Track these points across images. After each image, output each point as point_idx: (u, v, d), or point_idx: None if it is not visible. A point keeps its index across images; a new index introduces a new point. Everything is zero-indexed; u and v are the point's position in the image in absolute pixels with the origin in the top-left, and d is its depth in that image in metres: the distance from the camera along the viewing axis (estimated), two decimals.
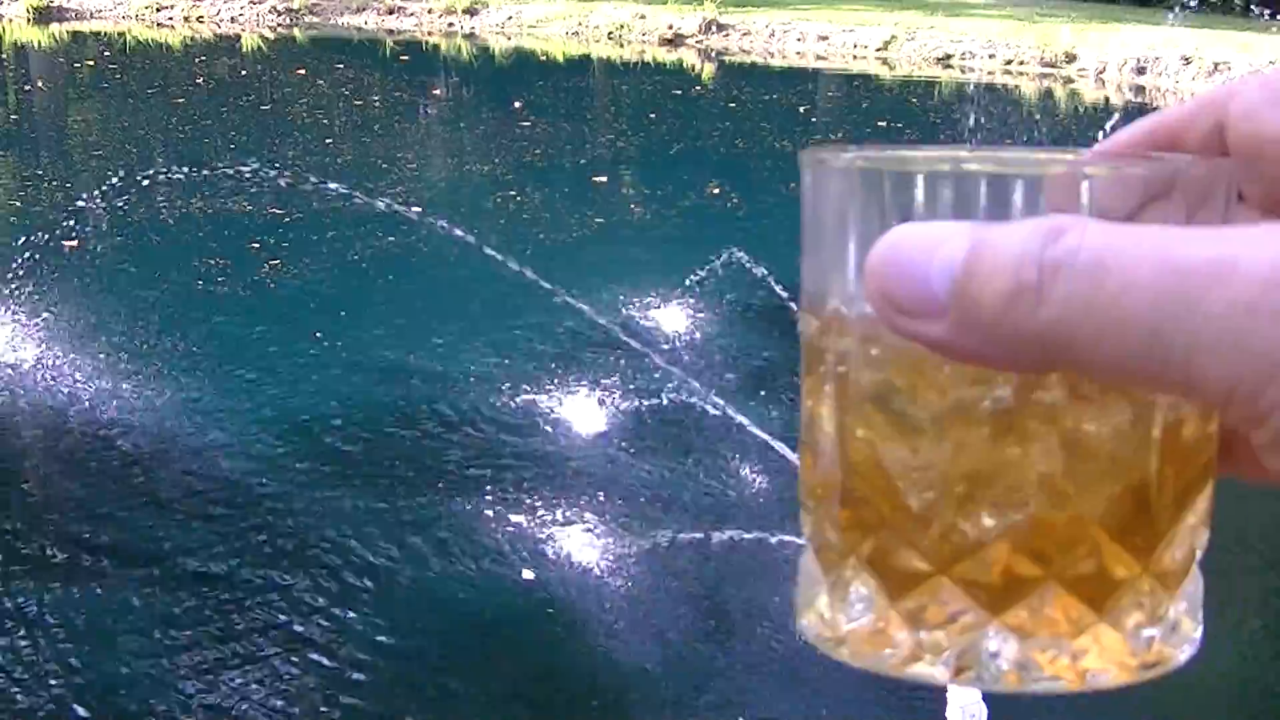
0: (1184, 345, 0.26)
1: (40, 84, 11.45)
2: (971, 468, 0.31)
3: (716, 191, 7.46)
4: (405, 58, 13.62)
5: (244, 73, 12.40)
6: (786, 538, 3.07)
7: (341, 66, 12.73)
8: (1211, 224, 0.31)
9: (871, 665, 0.32)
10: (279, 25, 15.11)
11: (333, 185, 6.48)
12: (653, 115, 10.72)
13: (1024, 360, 0.28)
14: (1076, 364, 0.28)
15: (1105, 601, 0.31)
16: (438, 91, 11.81)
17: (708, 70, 13.34)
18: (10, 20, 14.65)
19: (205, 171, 6.62)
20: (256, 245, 5.72)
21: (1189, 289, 0.26)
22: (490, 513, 3.27)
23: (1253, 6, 15.15)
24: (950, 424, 0.31)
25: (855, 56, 14.16)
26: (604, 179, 7.99)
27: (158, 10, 15.22)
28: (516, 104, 10.63)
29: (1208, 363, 0.26)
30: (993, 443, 0.31)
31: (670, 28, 14.70)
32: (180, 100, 10.51)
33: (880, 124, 10.33)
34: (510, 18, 15.34)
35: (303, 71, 12.18)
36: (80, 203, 6.27)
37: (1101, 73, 13.13)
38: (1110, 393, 0.31)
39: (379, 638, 2.72)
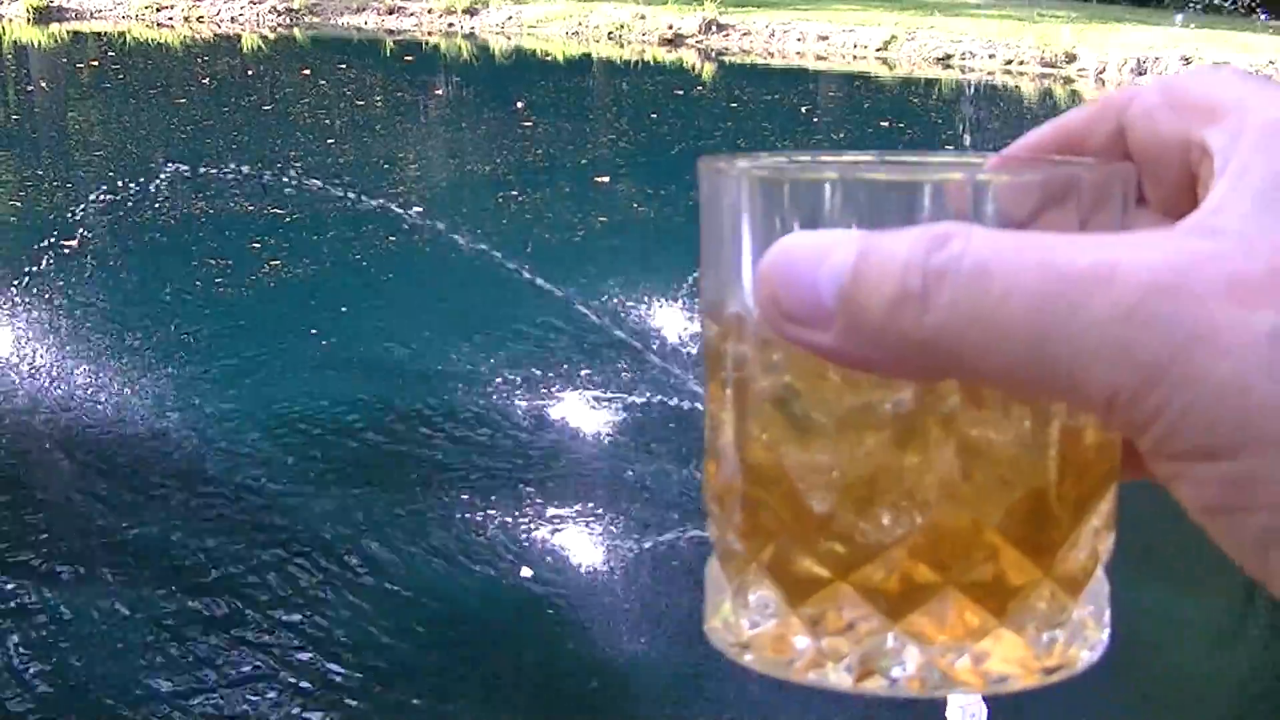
0: (1066, 352, 0.26)
1: (40, 84, 11.45)
2: (869, 473, 0.31)
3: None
4: (410, 58, 13.62)
5: (250, 73, 12.41)
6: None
7: (345, 67, 12.73)
8: (1108, 228, 0.31)
9: (776, 672, 0.32)
10: (279, 25, 15.11)
11: (333, 185, 6.49)
12: (654, 115, 10.73)
13: (912, 367, 0.28)
14: (963, 371, 0.27)
15: (1005, 606, 0.31)
16: (440, 92, 11.81)
17: (708, 70, 13.34)
18: (10, 20, 14.65)
19: (206, 171, 6.62)
20: (257, 245, 5.73)
21: (1070, 295, 0.26)
22: (491, 512, 3.27)
23: (1255, 8, 15.15)
24: (847, 429, 0.31)
25: (855, 56, 14.16)
26: (606, 179, 7.99)
27: (158, 10, 15.22)
28: (519, 104, 10.63)
29: (1089, 370, 0.26)
30: (890, 448, 0.30)
31: (670, 28, 14.70)
32: (181, 100, 10.51)
33: (881, 124, 10.33)
34: (510, 18, 15.33)
35: (307, 72, 12.18)
36: (80, 203, 6.27)
37: (1101, 73, 13.13)
38: (1008, 398, 0.30)
39: (378, 637, 2.72)
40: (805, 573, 0.31)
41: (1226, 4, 16.05)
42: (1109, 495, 0.33)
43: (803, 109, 11.50)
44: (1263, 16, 15.10)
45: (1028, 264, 0.26)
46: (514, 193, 7.39)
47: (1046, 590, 0.32)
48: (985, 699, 2.43)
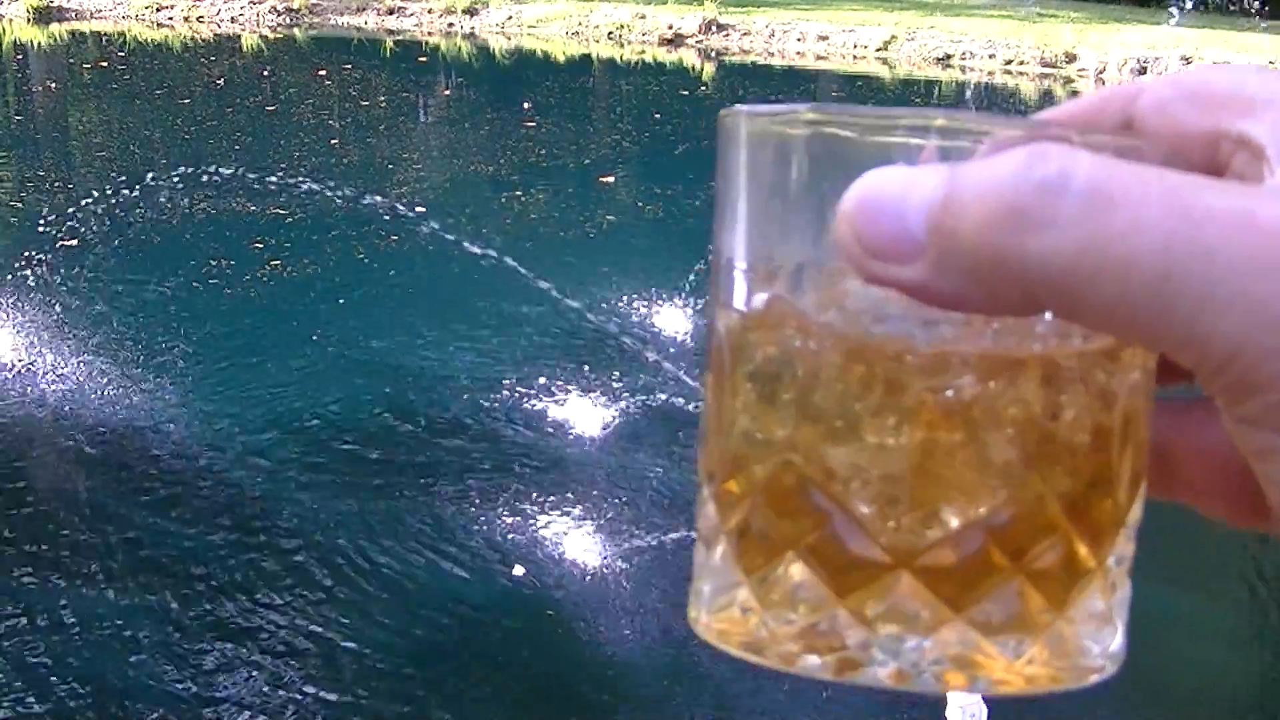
0: (1192, 298, 0.24)
1: (40, 84, 11.45)
2: (931, 458, 0.29)
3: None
4: (424, 59, 13.62)
5: (260, 73, 12.40)
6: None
7: (349, 67, 12.72)
8: None
9: (805, 668, 0.30)
10: (279, 25, 15.10)
11: (335, 185, 6.49)
12: (657, 115, 10.73)
13: (1008, 298, 0.26)
14: (1067, 303, 0.25)
15: (1065, 598, 0.30)
16: (444, 92, 11.80)
17: (708, 70, 13.34)
18: (10, 20, 14.65)
19: (207, 171, 6.62)
20: (259, 245, 5.73)
21: (1204, 237, 0.24)
22: (491, 512, 3.27)
23: (1253, 6, 15.15)
24: (908, 414, 0.29)
25: (855, 56, 14.16)
26: (610, 179, 7.99)
27: (158, 10, 15.22)
28: (526, 104, 10.63)
29: (1217, 320, 0.24)
30: (952, 432, 0.29)
31: (670, 28, 14.70)
32: (181, 100, 10.51)
33: None
34: (510, 18, 15.33)
35: (324, 72, 12.16)
36: (80, 203, 6.27)
37: (1101, 73, 13.13)
38: (1074, 379, 0.29)
39: (378, 636, 2.73)
40: (859, 561, 0.29)
41: (1224, 3, 16.06)
42: (1143, 491, 0.32)
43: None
44: (1261, 18, 15.11)
45: (1155, 197, 0.24)
46: (517, 193, 7.39)
47: (1099, 585, 0.31)
48: (985, 699, 2.43)
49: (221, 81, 11.73)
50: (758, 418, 0.31)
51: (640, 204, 7.29)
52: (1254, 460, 0.27)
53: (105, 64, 12.29)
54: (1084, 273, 0.24)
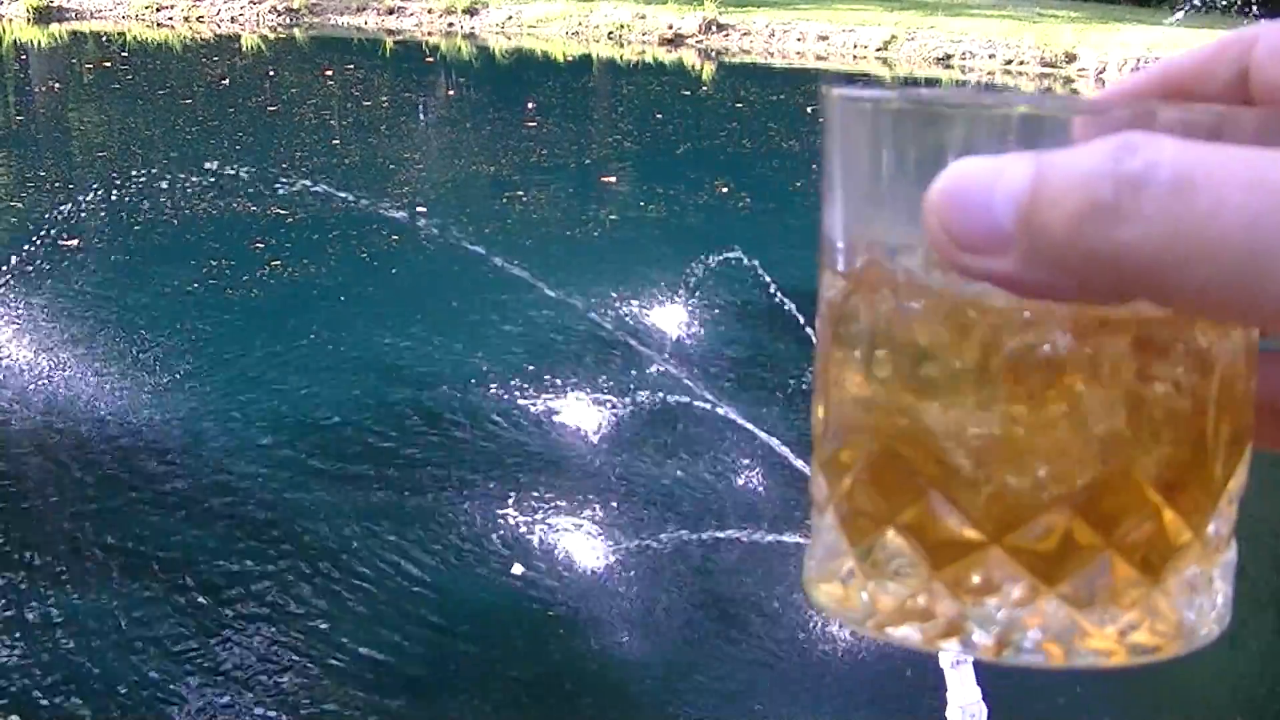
0: None
1: (42, 84, 11.45)
2: (1026, 427, 0.29)
3: (725, 191, 7.47)
4: (430, 59, 13.62)
5: (260, 73, 12.40)
6: (784, 537, 3.08)
7: (352, 68, 12.72)
8: None
9: (904, 638, 0.31)
10: (279, 25, 15.10)
11: (336, 185, 6.49)
12: (658, 115, 10.73)
13: (1099, 288, 0.26)
14: (1158, 290, 0.25)
15: (1162, 568, 0.30)
16: (446, 92, 11.81)
17: (708, 70, 13.34)
18: (10, 20, 14.65)
19: (207, 171, 6.62)
20: (260, 245, 5.73)
21: None
22: (493, 511, 3.28)
23: (1251, 6, 15.15)
24: (1002, 382, 0.29)
25: (855, 56, 14.17)
26: (613, 179, 7.99)
27: (158, 10, 15.22)
28: (529, 104, 10.63)
29: None
30: (1048, 400, 0.29)
31: (670, 28, 14.70)
32: (181, 100, 10.51)
33: None
34: (510, 17, 15.33)
35: (330, 72, 12.16)
36: (81, 202, 6.27)
37: (1101, 73, 13.14)
38: (1171, 345, 0.29)
39: (377, 635, 2.73)
40: (954, 535, 0.30)
41: (1222, 3, 16.06)
42: (1247, 455, 0.32)
43: (808, 109, 11.50)
44: (1257, 16, 15.12)
45: (1237, 177, 0.24)
46: (519, 193, 7.39)
47: (1198, 553, 0.30)
48: (985, 700, 2.44)
49: (222, 82, 11.73)
50: (858, 385, 0.31)
51: (642, 203, 7.29)
52: None
53: (108, 64, 12.29)
54: (1173, 260, 0.25)
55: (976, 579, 0.30)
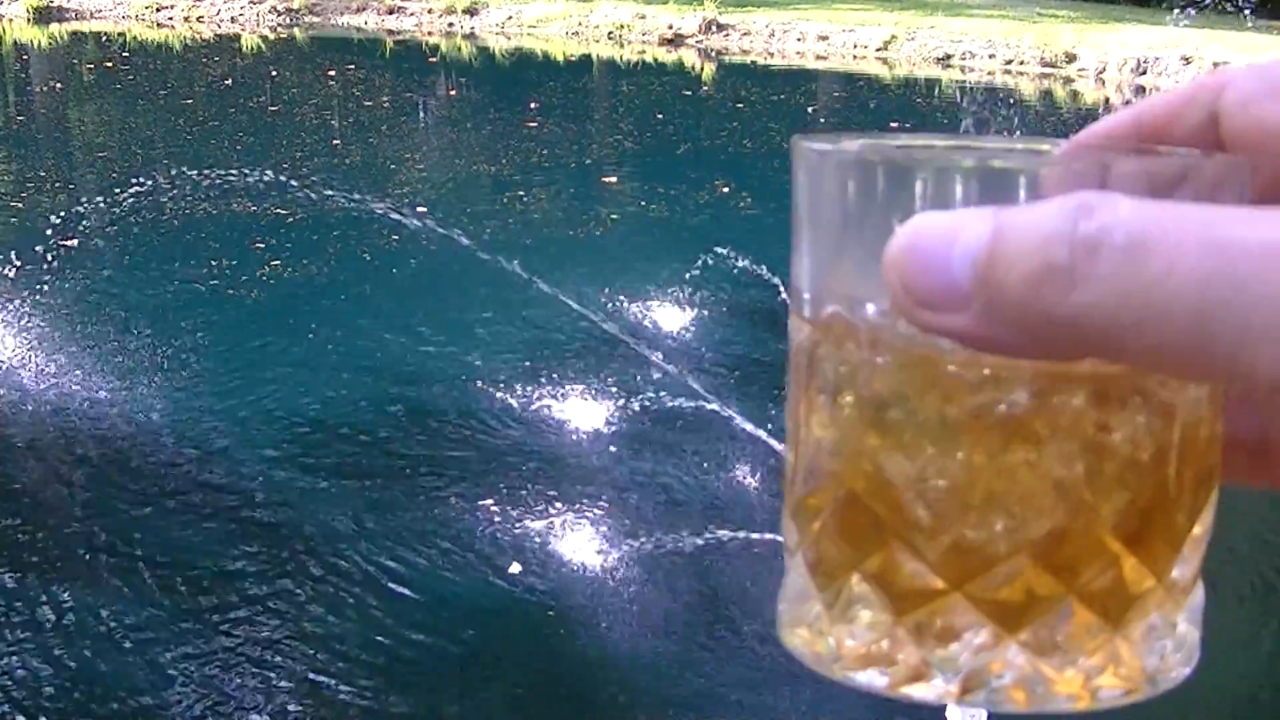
0: (1233, 331, 0.25)
1: (44, 84, 11.45)
2: (986, 478, 0.29)
3: (726, 191, 7.47)
4: (434, 60, 13.63)
5: (261, 73, 12.40)
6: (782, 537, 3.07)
7: (352, 67, 12.73)
8: None
9: (869, 683, 0.31)
10: (279, 25, 15.11)
11: (337, 185, 6.49)
12: (659, 115, 10.73)
13: (1055, 348, 0.27)
14: (1113, 351, 0.26)
15: (1123, 615, 0.30)
16: (451, 92, 11.81)
17: (708, 70, 13.35)
18: (10, 20, 14.66)
19: (207, 171, 6.62)
20: (260, 245, 5.73)
21: (1238, 272, 0.24)
22: (493, 511, 3.28)
23: (1246, 10, 15.16)
24: (963, 432, 0.29)
25: (855, 56, 14.17)
26: (613, 179, 8.00)
27: (158, 10, 15.23)
28: (532, 104, 10.64)
29: (1258, 350, 0.25)
30: (1008, 451, 0.29)
31: (670, 28, 14.71)
32: (181, 100, 10.52)
33: (886, 125, 10.33)
34: (510, 17, 15.34)
35: (333, 72, 12.16)
36: (81, 202, 6.27)
37: (1101, 73, 13.14)
38: (1129, 395, 0.29)
39: (377, 635, 2.73)
40: (916, 582, 0.30)
41: (1222, 4, 16.08)
42: (1213, 498, 0.32)
43: (810, 109, 11.50)
44: (1249, 15, 15.10)
45: (1189, 238, 0.25)
46: (520, 193, 7.39)
47: (1160, 598, 0.31)
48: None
49: (224, 81, 11.74)
50: (824, 432, 0.32)
51: (643, 203, 7.30)
52: None
53: (110, 64, 12.29)
54: (1126, 323, 0.25)
55: (939, 626, 0.30)
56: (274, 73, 12.49)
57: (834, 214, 0.30)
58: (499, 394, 4.05)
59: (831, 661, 0.32)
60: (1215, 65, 12.51)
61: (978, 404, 0.29)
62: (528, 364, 4.31)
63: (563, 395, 4.06)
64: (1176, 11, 13.54)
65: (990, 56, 13.76)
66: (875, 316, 0.30)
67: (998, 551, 0.29)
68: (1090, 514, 0.29)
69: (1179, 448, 0.30)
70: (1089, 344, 0.26)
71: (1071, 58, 13.45)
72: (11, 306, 4.73)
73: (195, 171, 6.58)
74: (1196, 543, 0.32)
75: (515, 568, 3.01)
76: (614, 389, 4.08)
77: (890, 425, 0.30)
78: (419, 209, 6.48)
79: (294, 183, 6.56)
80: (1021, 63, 13.58)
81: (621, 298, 4.98)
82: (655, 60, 13.91)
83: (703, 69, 13.41)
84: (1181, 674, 0.32)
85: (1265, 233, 0.25)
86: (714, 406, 3.84)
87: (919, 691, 0.30)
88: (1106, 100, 12.09)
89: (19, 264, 5.03)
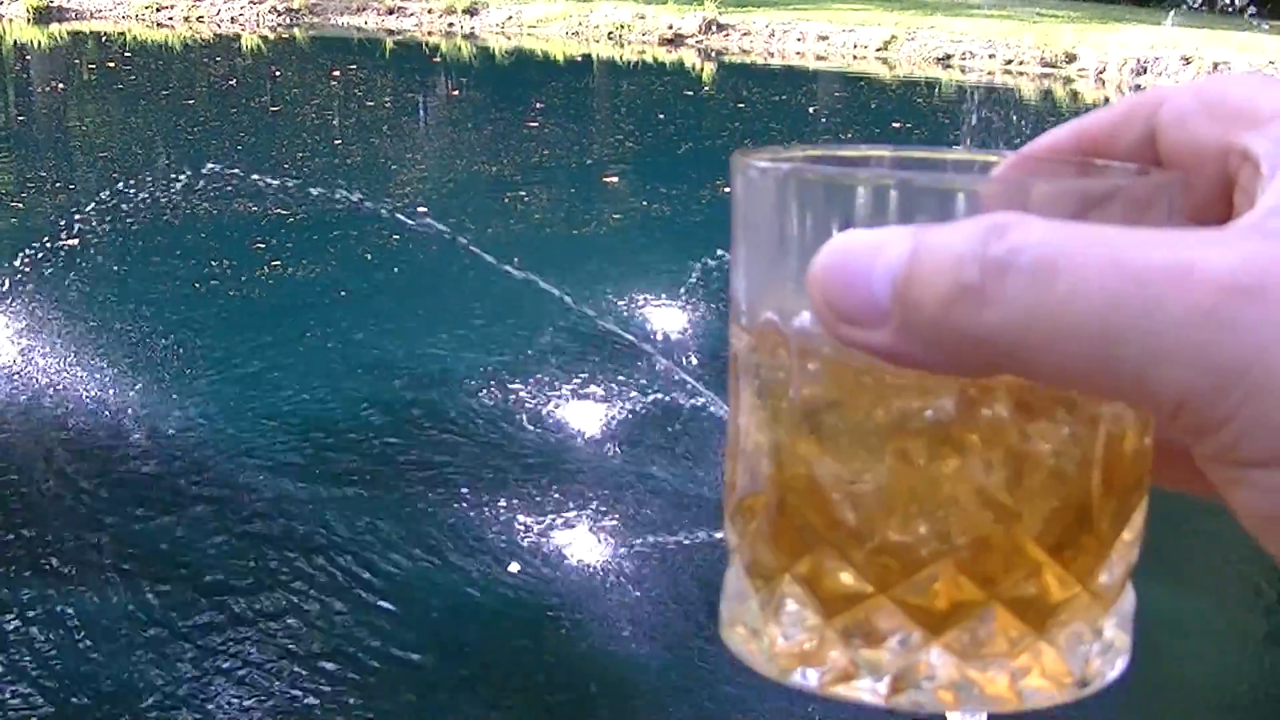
0: (1135, 353, 0.25)
1: (45, 84, 11.45)
2: (911, 484, 0.30)
3: (728, 190, 7.47)
4: (437, 60, 13.64)
5: (261, 73, 12.41)
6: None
7: (354, 67, 12.73)
8: None
9: (801, 683, 0.32)
10: (279, 25, 15.12)
11: (337, 185, 6.49)
12: (660, 115, 10.73)
13: (968, 365, 0.27)
14: (1023, 369, 0.27)
15: (1046, 621, 0.31)
16: (453, 93, 11.82)
17: (708, 70, 13.35)
18: (10, 20, 14.66)
19: (208, 171, 6.63)
20: (261, 245, 5.73)
21: (1143, 295, 0.25)
22: (494, 511, 3.28)
23: (1246, 8, 15.16)
24: (889, 439, 0.30)
25: (855, 56, 14.17)
26: (615, 179, 8.00)
27: (158, 10, 15.23)
28: (537, 104, 10.64)
29: (1161, 372, 0.25)
30: (933, 459, 0.30)
31: (670, 28, 14.72)
32: (181, 100, 10.52)
33: (886, 125, 10.34)
34: (510, 17, 15.35)
35: (337, 73, 12.16)
36: (81, 202, 6.27)
37: (1101, 73, 13.15)
38: (1054, 408, 0.30)
39: (377, 635, 2.73)
40: (842, 586, 0.31)
41: (1221, 3, 16.08)
42: (1143, 506, 0.33)
43: (810, 109, 11.50)
44: (1255, 17, 15.12)
45: (1096, 260, 0.25)
46: (520, 193, 7.39)
47: (1085, 603, 0.31)
48: None
49: (223, 82, 11.74)
50: (759, 436, 0.33)
51: (644, 203, 7.30)
52: (1221, 493, 0.28)
53: (112, 64, 12.29)
54: (1034, 343, 0.26)
55: (865, 629, 0.31)
56: (275, 73, 12.50)
57: (768, 227, 0.31)
58: (500, 394, 4.05)
59: (766, 661, 0.32)
60: (1215, 65, 12.52)
61: (903, 412, 0.30)
62: (529, 363, 4.31)
63: (564, 395, 4.06)
64: (1174, 13, 13.55)
65: (990, 56, 13.77)
66: (807, 326, 0.31)
67: (921, 557, 0.30)
68: (1013, 522, 0.30)
69: (1104, 458, 0.31)
70: (1000, 362, 0.27)
71: (1071, 58, 13.45)
72: (12, 306, 4.73)
73: (196, 171, 6.58)
74: (1125, 549, 0.32)
75: (514, 566, 3.01)
76: (615, 388, 4.08)
77: (819, 431, 0.31)
78: (420, 209, 6.49)
79: (294, 182, 6.56)
80: (1021, 63, 13.58)
81: (622, 297, 4.98)
82: (655, 60, 13.91)
83: (703, 69, 13.42)
84: (1109, 677, 0.32)
85: (1170, 256, 0.25)
86: (715, 406, 3.84)
87: (849, 691, 0.31)
88: (1106, 100, 12.08)
89: (19, 264, 5.03)
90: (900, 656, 0.31)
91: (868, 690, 0.31)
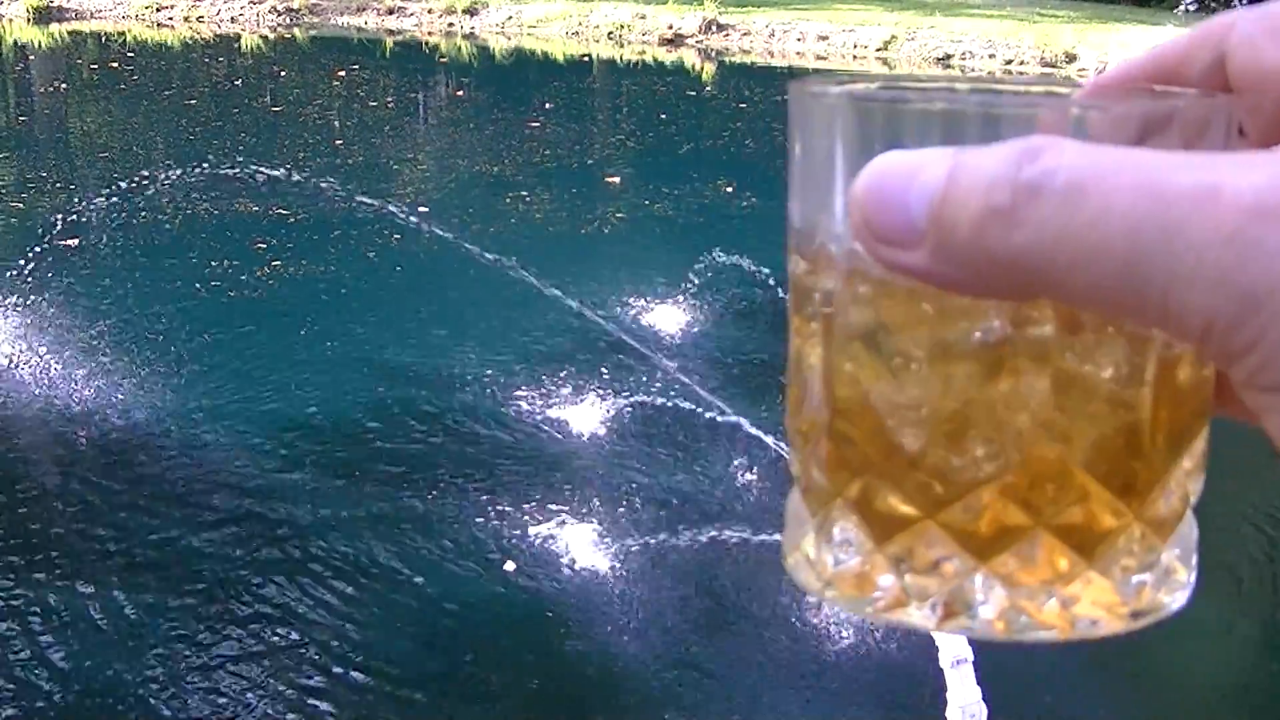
0: (1161, 276, 0.25)
1: (42, 84, 11.45)
2: (959, 407, 0.30)
3: (730, 190, 7.47)
4: (444, 59, 13.63)
5: (261, 72, 12.40)
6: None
7: (356, 67, 12.72)
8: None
9: (856, 609, 0.32)
10: (279, 25, 15.12)
11: (338, 185, 6.50)
12: (662, 116, 10.73)
13: (1001, 287, 0.27)
14: (1052, 291, 0.27)
15: (1095, 549, 0.30)
16: (460, 93, 11.81)
17: (708, 70, 13.35)
18: (10, 20, 14.66)
19: (209, 171, 6.63)
20: (262, 245, 5.73)
21: (1169, 217, 0.25)
22: (495, 511, 3.28)
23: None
24: (937, 362, 0.30)
25: (855, 57, 14.17)
26: (616, 179, 8.00)
27: (158, 10, 15.23)
28: (546, 105, 10.63)
29: (1185, 295, 0.25)
30: (981, 381, 0.30)
31: (670, 28, 14.71)
32: (184, 100, 10.52)
33: None
34: (510, 18, 15.35)
35: (342, 74, 12.15)
36: (81, 202, 6.28)
37: (1101, 73, 13.14)
38: (1104, 329, 0.30)
39: (378, 635, 2.73)
40: (892, 510, 0.31)
41: (1219, 5, 16.08)
42: (1202, 435, 0.32)
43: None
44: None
45: (1124, 183, 0.25)
46: (522, 193, 7.39)
47: (1137, 532, 0.31)
48: (985, 700, 2.44)
49: (223, 82, 11.74)
50: (814, 361, 0.33)
51: (646, 203, 7.30)
52: (1258, 418, 0.28)
53: (115, 64, 12.29)
54: (1062, 265, 0.26)
55: (914, 554, 0.31)
56: (276, 73, 12.49)
57: (821, 153, 0.31)
58: (501, 393, 4.05)
59: (822, 587, 0.33)
60: None
61: (950, 334, 0.30)
62: (531, 363, 4.31)
63: (565, 395, 4.06)
64: (1180, 11, 13.55)
65: (990, 56, 13.77)
66: (856, 249, 0.30)
67: (967, 481, 0.30)
68: (1060, 446, 0.30)
69: (1157, 383, 0.30)
70: (1031, 284, 0.27)
71: (1071, 58, 13.46)
72: (12, 306, 4.74)
73: (197, 171, 6.58)
74: (1184, 478, 0.32)
75: (509, 565, 3.01)
76: (616, 389, 4.08)
77: (868, 354, 0.31)
78: (421, 209, 6.49)
79: (295, 182, 6.56)
80: (1021, 63, 13.58)
81: (624, 297, 4.98)
82: (655, 60, 13.91)
83: (703, 69, 13.42)
84: (1168, 607, 0.32)
85: (1203, 178, 0.25)
86: (715, 406, 3.85)
87: (901, 617, 0.31)
88: None
89: (19, 264, 5.04)
90: (948, 582, 0.30)
91: (919, 616, 0.31)
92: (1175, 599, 0.32)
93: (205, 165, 6.82)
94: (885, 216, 0.28)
